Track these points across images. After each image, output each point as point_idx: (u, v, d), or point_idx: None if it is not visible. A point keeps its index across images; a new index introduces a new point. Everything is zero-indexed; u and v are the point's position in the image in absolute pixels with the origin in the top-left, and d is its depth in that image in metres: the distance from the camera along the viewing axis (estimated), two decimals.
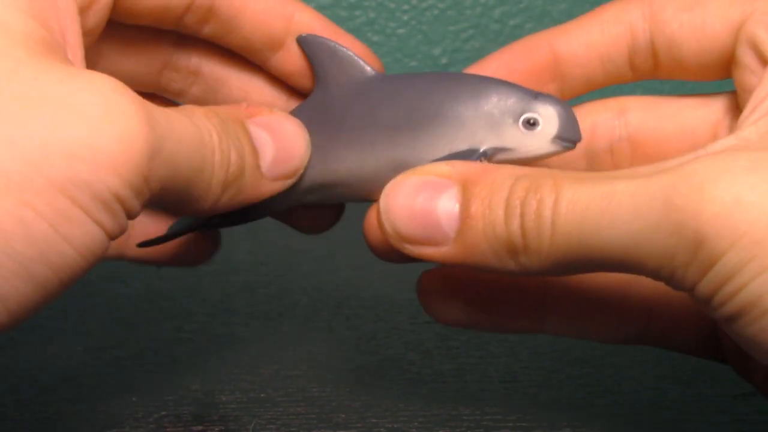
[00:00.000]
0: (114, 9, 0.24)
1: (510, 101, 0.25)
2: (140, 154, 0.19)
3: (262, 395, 0.32)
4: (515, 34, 0.65)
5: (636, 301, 0.27)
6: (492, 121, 0.25)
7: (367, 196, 0.27)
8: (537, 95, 0.25)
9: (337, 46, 0.26)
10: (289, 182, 0.25)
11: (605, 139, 0.28)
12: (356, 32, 0.64)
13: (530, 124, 0.25)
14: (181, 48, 0.28)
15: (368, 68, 0.26)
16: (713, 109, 0.27)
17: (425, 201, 0.23)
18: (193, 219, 0.29)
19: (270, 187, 0.25)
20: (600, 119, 0.28)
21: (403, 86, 0.26)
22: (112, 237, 0.20)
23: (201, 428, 0.30)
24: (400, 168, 0.25)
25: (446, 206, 0.23)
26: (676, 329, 0.27)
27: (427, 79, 0.26)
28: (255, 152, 0.24)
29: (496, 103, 0.25)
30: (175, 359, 0.35)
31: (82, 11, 0.23)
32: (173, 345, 0.36)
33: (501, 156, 0.25)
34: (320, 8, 0.64)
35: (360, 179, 0.26)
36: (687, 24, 0.25)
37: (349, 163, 0.26)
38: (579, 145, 0.26)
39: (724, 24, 0.25)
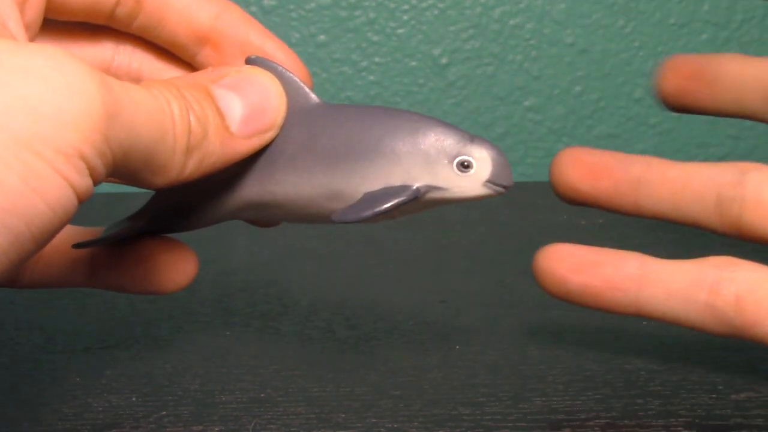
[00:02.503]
0: (48, 4, 0.25)
1: (447, 142, 0.25)
2: (98, 112, 0.20)
3: (262, 395, 0.32)
4: (515, 34, 0.65)
5: None
6: (428, 160, 0.25)
7: (300, 219, 0.27)
8: (473, 138, 0.26)
9: (283, 71, 0.26)
10: (269, 135, 0.26)
11: None
12: (356, 32, 0.64)
13: (464, 166, 0.25)
14: (120, 52, 0.28)
15: (312, 95, 0.26)
16: None
17: None
18: (128, 224, 0.29)
19: (246, 145, 0.25)
20: None
21: (345, 117, 0.26)
22: (80, 196, 0.20)
23: (201, 428, 0.30)
24: (334, 196, 0.26)
25: None
26: None
27: (368, 113, 0.26)
28: (220, 114, 0.24)
29: (433, 142, 0.25)
30: (175, 359, 0.35)
31: (19, 5, 0.23)
32: (173, 345, 0.36)
33: (433, 194, 0.26)
34: (320, 8, 0.64)
35: (295, 203, 0.26)
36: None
37: (286, 186, 0.26)
38: None
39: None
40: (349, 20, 0.64)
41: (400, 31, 0.65)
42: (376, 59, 0.65)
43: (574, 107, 0.67)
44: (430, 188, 0.25)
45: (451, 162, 0.25)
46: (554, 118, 0.67)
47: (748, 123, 0.35)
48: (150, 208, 0.29)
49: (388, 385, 0.32)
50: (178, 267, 0.29)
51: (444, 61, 0.65)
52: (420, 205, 0.26)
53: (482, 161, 0.25)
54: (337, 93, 0.65)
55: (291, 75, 0.26)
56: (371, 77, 0.65)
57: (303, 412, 0.31)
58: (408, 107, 0.66)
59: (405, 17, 0.65)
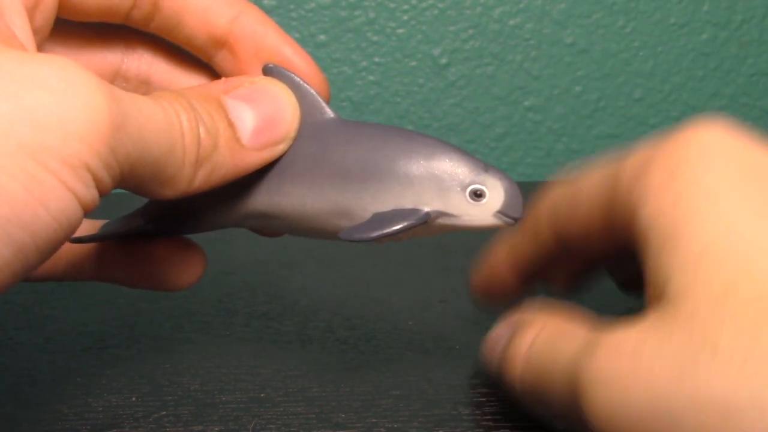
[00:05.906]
0: (62, 6, 0.25)
1: (461, 170, 0.25)
2: (105, 123, 0.20)
3: (262, 395, 0.32)
4: (515, 34, 0.65)
5: None
6: (440, 186, 0.25)
7: (304, 233, 0.27)
8: (488, 168, 0.26)
9: (300, 82, 0.26)
10: (281, 148, 0.25)
11: None
12: (356, 32, 0.64)
13: (477, 195, 0.25)
14: (130, 55, 0.28)
15: (328, 110, 0.26)
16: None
17: None
18: (128, 222, 0.29)
19: (257, 158, 0.25)
20: None
21: (360, 135, 0.26)
22: (85, 207, 0.20)
23: (201, 428, 0.30)
24: (342, 213, 0.26)
25: None
26: None
27: (384, 133, 0.26)
28: (232, 126, 0.24)
29: (447, 169, 0.25)
30: (175, 359, 0.35)
31: (29, 10, 0.23)
32: (173, 345, 0.36)
33: (443, 220, 0.25)
34: (320, 8, 0.64)
35: (300, 216, 0.26)
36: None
37: (293, 199, 0.26)
38: None
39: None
40: (349, 20, 0.64)
41: (400, 31, 0.65)
42: (376, 59, 0.65)
43: (574, 107, 0.67)
44: (441, 214, 0.25)
45: (463, 190, 0.25)
46: (554, 118, 0.67)
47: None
48: (147, 209, 0.29)
49: (388, 385, 0.33)
50: (187, 265, 0.29)
51: (444, 61, 0.65)
52: (428, 230, 0.26)
53: (495, 191, 0.25)
54: (337, 93, 0.65)
55: (308, 87, 0.26)
56: (371, 77, 0.65)
57: (303, 412, 0.31)
58: (408, 107, 0.66)
59: (405, 17, 0.65)
